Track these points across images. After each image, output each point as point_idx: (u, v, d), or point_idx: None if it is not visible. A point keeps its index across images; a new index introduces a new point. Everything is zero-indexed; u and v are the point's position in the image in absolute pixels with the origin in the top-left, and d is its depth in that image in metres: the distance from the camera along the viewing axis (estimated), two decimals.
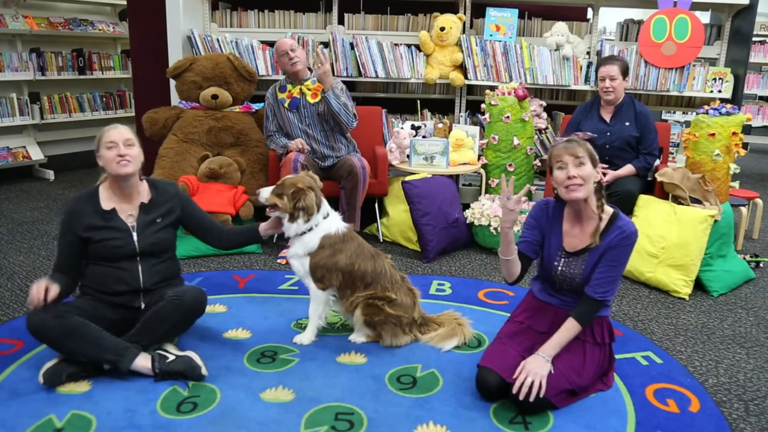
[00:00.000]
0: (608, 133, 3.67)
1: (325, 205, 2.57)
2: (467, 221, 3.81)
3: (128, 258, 2.31)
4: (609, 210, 2.14)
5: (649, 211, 3.43)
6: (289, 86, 3.73)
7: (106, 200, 2.34)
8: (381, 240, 3.99)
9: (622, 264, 2.10)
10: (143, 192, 2.40)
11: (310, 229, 2.50)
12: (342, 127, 3.72)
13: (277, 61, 3.72)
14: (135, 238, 2.32)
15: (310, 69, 3.80)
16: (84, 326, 2.15)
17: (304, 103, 3.69)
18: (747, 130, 6.72)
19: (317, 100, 3.68)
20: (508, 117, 3.94)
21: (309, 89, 3.70)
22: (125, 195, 2.35)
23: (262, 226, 2.60)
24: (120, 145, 2.26)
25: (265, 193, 2.54)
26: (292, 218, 2.49)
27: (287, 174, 3.19)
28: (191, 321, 2.39)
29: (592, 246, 2.11)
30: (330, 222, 2.55)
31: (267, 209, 2.57)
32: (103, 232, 2.28)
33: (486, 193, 4.08)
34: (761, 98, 7.39)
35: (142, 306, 2.35)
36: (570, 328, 2.10)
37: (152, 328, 2.26)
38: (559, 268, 2.18)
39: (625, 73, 3.65)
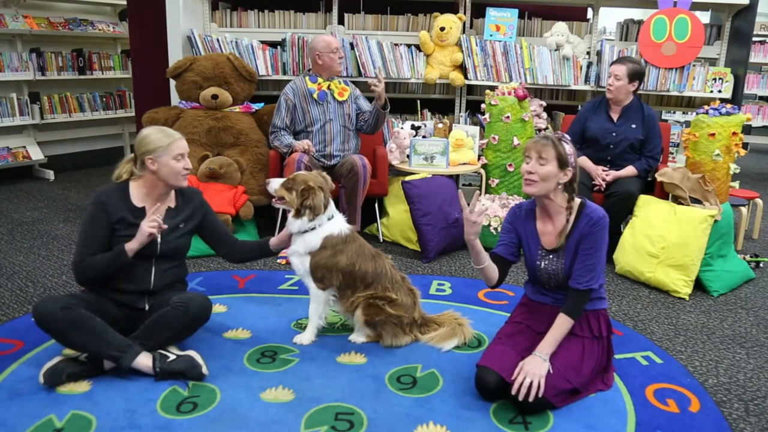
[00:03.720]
0: (614, 134, 3.68)
1: (331, 207, 2.57)
2: None
3: (145, 258, 2.32)
4: (577, 201, 2.17)
5: (649, 211, 3.43)
6: (319, 79, 3.79)
7: (138, 198, 2.34)
8: (381, 240, 3.99)
9: (598, 249, 2.12)
10: (171, 196, 2.42)
11: (313, 228, 2.51)
12: (374, 131, 3.90)
13: (317, 55, 3.74)
14: (158, 240, 2.32)
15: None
16: (90, 319, 2.15)
17: (330, 99, 3.79)
18: (747, 130, 6.71)
19: (344, 99, 3.81)
20: (508, 117, 3.94)
21: (337, 87, 3.81)
22: (158, 198, 2.36)
23: (273, 241, 2.62)
24: (186, 157, 2.32)
25: (275, 185, 2.57)
26: (298, 214, 2.50)
27: (290, 174, 3.20)
28: (195, 328, 2.39)
29: (557, 246, 2.15)
30: (333, 223, 2.55)
31: (273, 200, 2.59)
32: (131, 229, 2.28)
33: (486, 193, 4.08)
34: (761, 98, 7.39)
35: (147, 308, 2.36)
36: (562, 323, 2.12)
37: (156, 333, 2.26)
38: (542, 266, 2.21)
39: (632, 77, 3.61)
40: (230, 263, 3.46)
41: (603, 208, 2.18)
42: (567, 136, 2.17)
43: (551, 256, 2.19)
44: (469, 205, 2.13)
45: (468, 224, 2.11)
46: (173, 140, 2.30)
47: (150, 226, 2.22)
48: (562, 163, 2.10)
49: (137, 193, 2.35)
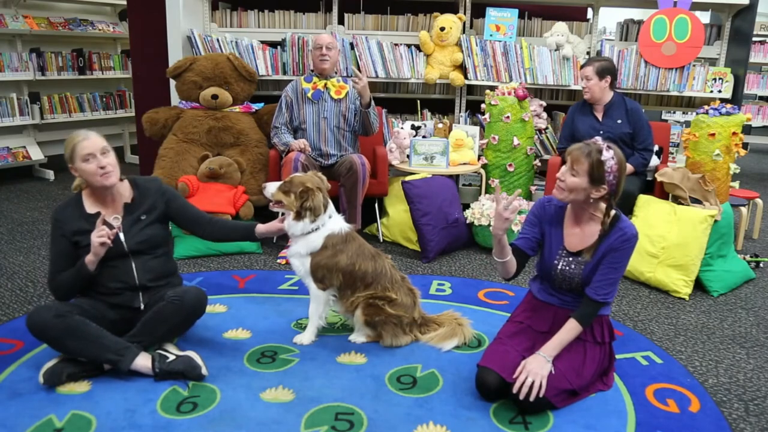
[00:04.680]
0: (601, 132, 3.70)
1: (330, 206, 2.57)
2: (467, 221, 3.81)
3: (119, 257, 2.31)
4: (611, 213, 2.13)
5: (649, 211, 3.43)
6: (315, 78, 3.80)
7: (90, 205, 2.33)
8: (381, 240, 3.99)
9: (623, 266, 2.11)
10: (125, 192, 2.38)
11: (316, 229, 2.50)
12: (367, 133, 3.86)
13: (309, 51, 3.86)
14: (122, 238, 2.31)
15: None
16: (84, 325, 2.15)
17: (326, 97, 3.77)
18: (747, 130, 6.72)
19: (341, 96, 3.79)
20: (508, 117, 3.94)
21: (334, 86, 3.79)
22: (108, 199, 2.35)
23: (260, 228, 2.59)
24: (98, 155, 2.22)
25: (272, 189, 2.54)
26: (298, 217, 2.48)
27: (288, 173, 3.20)
28: (192, 321, 2.39)
29: (586, 260, 2.11)
30: (333, 222, 2.55)
31: (270, 204, 2.57)
32: (90, 236, 2.26)
33: (486, 193, 4.08)
34: (761, 98, 7.39)
35: (142, 306, 2.35)
36: (571, 329, 2.11)
37: (152, 328, 2.26)
38: (559, 267, 2.18)
39: (601, 73, 3.65)
40: (230, 262, 3.47)
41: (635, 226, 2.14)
42: (614, 146, 2.05)
43: (571, 259, 2.16)
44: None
45: (499, 219, 2.08)
46: (78, 141, 2.22)
47: (99, 236, 2.19)
48: (595, 180, 2.02)
49: (89, 201, 2.34)
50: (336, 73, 3.91)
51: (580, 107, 3.85)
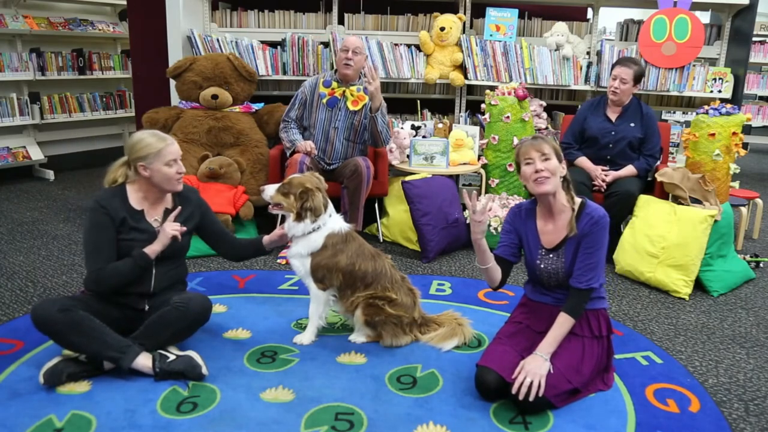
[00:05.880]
0: (613, 133, 3.69)
1: (330, 206, 2.57)
2: (467, 221, 3.81)
3: None
4: (577, 200, 2.19)
5: (649, 211, 3.43)
6: (334, 83, 3.71)
7: (135, 201, 2.33)
8: (381, 240, 3.99)
9: (599, 249, 2.13)
10: (167, 197, 2.41)
11: (317, 229, 2.50)
12: (377, 143, 3.78)
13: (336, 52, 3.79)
14: None
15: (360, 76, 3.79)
16: (89, 321, 2.15)
17: (341, 106, 3.70)
18: (747, 130, 6.71)
19: (356, 108, 3.69)
20: (508, 117, 3.94)
21: (352, 95, 3.69)
22: (156, 200, 2.36)
23: (266, 239, 2.62)
24: (179, 161, 2.30)
25: (270, 191, 2.54)
26: (299, 218, 2.48)
27: (292, 174, 3.19)
28: (195, 328, 2.39)
29: (570, 235, 2.14)
30: (333, 221, 2.56)
31: (269, 207, 2.57)
32: (131, 233, 2.28)
33: (486, 193, 4.08)
34: (761, 98, 7.39)
35: (147, 308, 2.36)
36: (563, 322, 2.12)
37: (156, 333, 2.26)
38: (542, 266, 2.21)
39: (637, 79, 3.66)
40: (230, 262, 3.48)
41: (603, 208, 2.19)
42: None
43: (551, 256, 2.19)
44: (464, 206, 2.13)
45: (474, 224, 2.12)
46: (164, 146, 2.27)
47: (173, 229, 2.25)
48: (559, 156, 2.14)
49: (134, 197, 2.34)
50: (359, 79, 3.75)
51: (594, 106, 3.84)
